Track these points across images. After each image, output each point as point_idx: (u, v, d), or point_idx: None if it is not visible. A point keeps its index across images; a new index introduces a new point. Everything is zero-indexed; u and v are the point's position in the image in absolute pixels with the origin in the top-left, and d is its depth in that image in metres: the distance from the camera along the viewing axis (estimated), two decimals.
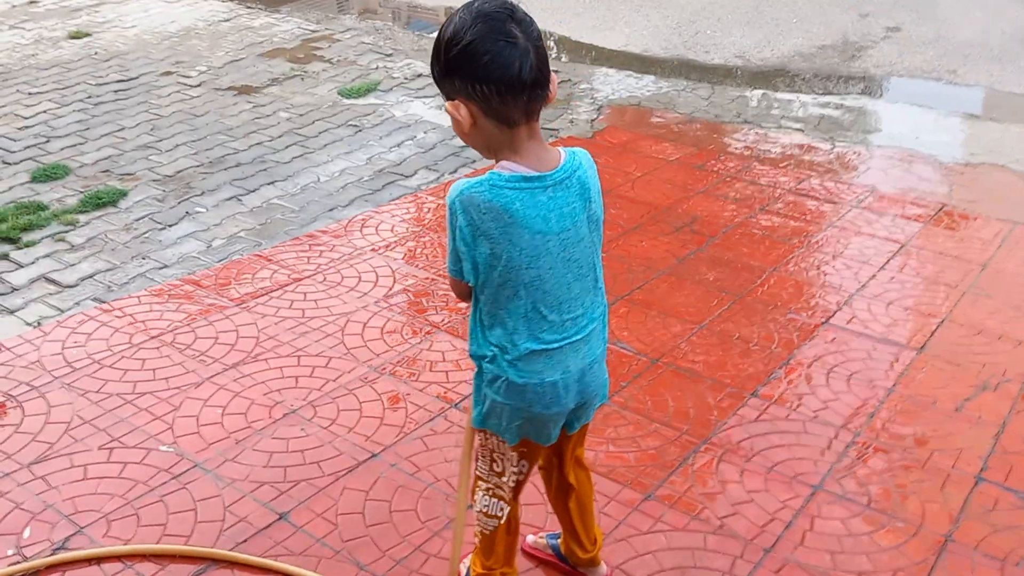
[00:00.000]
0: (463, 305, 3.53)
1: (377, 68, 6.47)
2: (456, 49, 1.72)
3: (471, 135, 1.80)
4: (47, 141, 5.17)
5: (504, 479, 2.07)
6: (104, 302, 3.65)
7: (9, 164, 4.88)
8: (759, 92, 6.29)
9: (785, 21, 7.82)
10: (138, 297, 3.67)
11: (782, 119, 5.79)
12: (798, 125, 5.70)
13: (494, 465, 2.07)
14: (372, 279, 3.83)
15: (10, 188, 4.62)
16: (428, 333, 3.48)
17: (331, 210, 4.49)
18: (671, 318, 3.61)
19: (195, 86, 6.05)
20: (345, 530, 2.56)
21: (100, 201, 4.47)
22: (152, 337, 3.40)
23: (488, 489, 2.10)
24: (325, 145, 5.24)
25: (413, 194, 4.67)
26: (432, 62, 1.80)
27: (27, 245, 4.09)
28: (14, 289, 3.77)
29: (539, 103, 1.77)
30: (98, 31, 7.11)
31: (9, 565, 2.41)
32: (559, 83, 6.37)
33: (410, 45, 7.06)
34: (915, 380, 3.28)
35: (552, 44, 7.26)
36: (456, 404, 3.08)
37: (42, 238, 4.15)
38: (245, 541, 2.51)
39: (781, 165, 5.08)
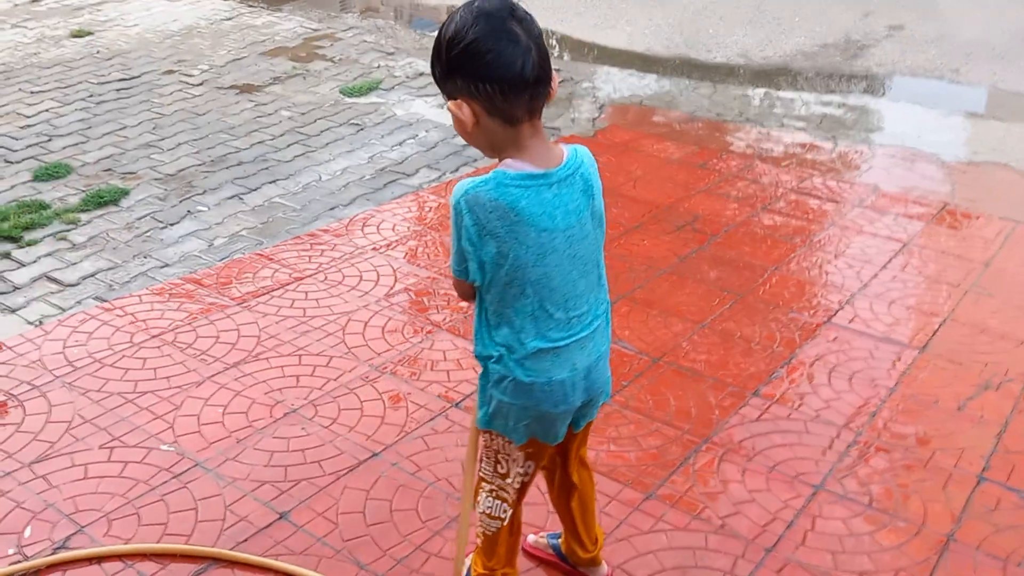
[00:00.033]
0: (465, 304, 3.52)
1: (379, 67, 6.47)
2: (458, 48, 1.71)
3: (474, 134, 1.79)
4: (49, 140, 5.17)
5: (509, 481, 2.06)
6: (105, 301, 3.65)
7: (11, 163, 4.89)
8: (761, 91, 6.28)
9: (787, 20, 7.81)
10: (139, 296, 3.67)
11: (784, 118, 5.78)
12: (800, 124, 5.69)
13: (498, 467, 2.06)
14: (373, 278, 3.82)
15: (12, 187, 4.62)
16: (429, 332, 3.48)
17: (332, 209, 4.48)
18: (672, 317, 3.61)
19: (197, 85, 6.05)
20: (346, 529, 2.56)
21: (102, 200, 4.48)
22: (153, 336, 3.40)
23: (492, 491, 2.09)
24: (327, 144, 5.24)
25: (415, 193, 4.67)
26: (433, 61, 1.79)
27: (29, 244, 4.09)
28: (16, 288, 3.77)
29: (541, 100, 1.77)
30: (100, 30, 7.11)
31: (10, 564, 2.41)
32: (560, 82, 6.35)
33: (412, 44, 7.06)
34: (917, 379, 3.27)
35: (554, 43, 7.26)
36: (457, 403, 3.08)
37: (44, 237, 4.15)
38: (246, 540, 2.51)
39: (783, 164, 5.08)
